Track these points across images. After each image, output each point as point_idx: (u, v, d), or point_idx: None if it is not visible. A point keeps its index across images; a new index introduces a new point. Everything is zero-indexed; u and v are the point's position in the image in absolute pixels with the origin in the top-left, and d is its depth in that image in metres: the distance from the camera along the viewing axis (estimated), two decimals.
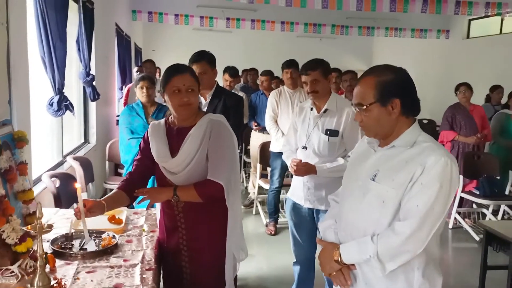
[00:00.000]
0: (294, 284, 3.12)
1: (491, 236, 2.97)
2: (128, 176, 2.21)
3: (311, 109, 2.83)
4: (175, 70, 2.09)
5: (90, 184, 3.87)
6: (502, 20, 8.88)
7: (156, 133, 2.14)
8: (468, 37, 10.12)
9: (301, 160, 2.75)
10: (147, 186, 2.32)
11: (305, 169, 2.71)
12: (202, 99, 3.14)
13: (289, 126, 3.04)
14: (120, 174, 5.34)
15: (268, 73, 5.83)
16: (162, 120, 2.21)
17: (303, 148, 2.82)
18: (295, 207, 2.91)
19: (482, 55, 9.32)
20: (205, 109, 3.10)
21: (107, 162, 5.14)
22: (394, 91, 1.51)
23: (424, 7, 6.68)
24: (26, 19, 2.79)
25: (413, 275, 1.54)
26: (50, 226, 1.68)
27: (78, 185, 2.01)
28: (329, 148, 2.72)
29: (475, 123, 5.02)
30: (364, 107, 1.53)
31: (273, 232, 4.74)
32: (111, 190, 4.98)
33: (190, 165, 2.03)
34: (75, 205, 1.94)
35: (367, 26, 10.23)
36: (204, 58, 3.02)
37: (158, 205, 2.44)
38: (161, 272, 2.22)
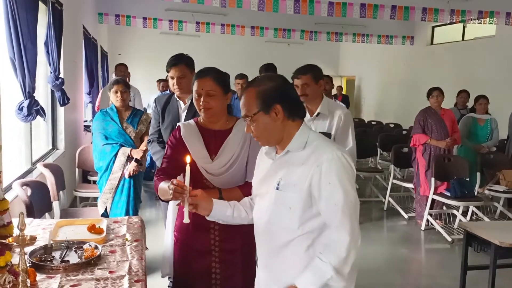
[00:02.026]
0: None
1: (471, 237, 3.03)
2: (162, 172, 2.09)
3: None
4: (196, 74, 2.14)
5: (61, 192, 3.70)
6: (464, 27, 9.23)
7: (191, 133, 2.15)
8: (431, 43, 10.45)
9: None
10: None
11: None
12: (181, 103, 3.08)
13: None
14: (89, 181, 5.17)
15: (243, 76, 5.81)
16: (192, 121, 2.22)
17: None
18: None
19: (445, 60, 9.66)
20: (184, 113, 3.04)
21: (76, 169, 4.94)
22: (273, 97, 1.57)
23: (393, 13, 6.84)
24: None
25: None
26: (33, 238, 1.58)
27: (188, 159, 1.76)
28: None
29: (446, 127, 5.15)
30: (250, 117, 1.59)
31: None
32: (81, 198, 4.81)
33: (232, 168, 2.08)
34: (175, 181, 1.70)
35: (335, 32, 10.39)
36: (182, 61, 2.98)
37: (170, 207, 2.40)
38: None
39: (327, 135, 2.82)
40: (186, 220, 1.68)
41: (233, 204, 1.83)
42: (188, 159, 1.75)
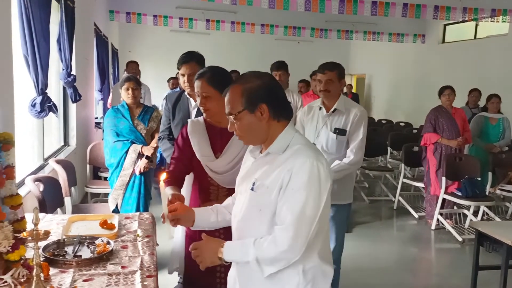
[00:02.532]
0: None
1: (482, 237, 3.01)
2: (170, 175, 2.11)
3: (320, 108, 2.98)
4: (195, 76, 2.16)
5: (73, 188, 3.73)
6: (476, 25, 9.12)
7: (197, 131, 2.15)
8: (443, 41, 10.36)
9: None
10: None
11: None
12: (191, 100, 3.09)
13: (296, 124, 3.18)
14: (100, 178, 5.21)
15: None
16: (201, 118, 2.22)
17: None
18: None
19: (457, 59, 9.56)
20: (194, 111, 3.04)
21: (88, 166, 4.98)
22: (260, 96, 1.52)
23: (404, 11, 6.79)
24: (10, 16, 2.67)
25: (297, 279, 1.53)
26: (47, 233, 1.60)
27: (163, 176, 1.78)
28: (337, 146, 2.91)
29: (457, 126, 5.11)
30: (234, 115, 1.54)
31: None
32: (92, 194, 4.86)
33: (236, 167, 2.03)
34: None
35: (346, 29, 10.33)
36: (193, 59, 2.98)
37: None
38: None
39: (342, 131, 2.88)
40: (170, 237, 1.69)
41: (216, 208, 1.80)
42: (163, 176, 1.76)
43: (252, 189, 1.56)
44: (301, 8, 6.51)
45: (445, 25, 10.24)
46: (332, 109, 2.93)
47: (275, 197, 1.49)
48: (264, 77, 1.57)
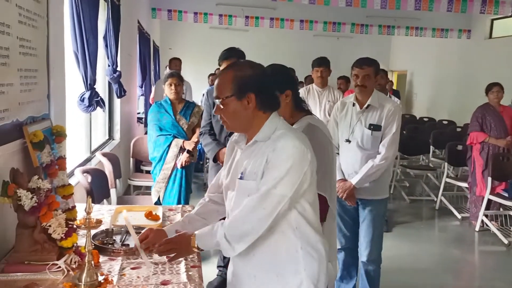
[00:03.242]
0: (339, 271, 3.19)
1: None
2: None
3: (353, 104, 2.95)
4: None
5: (117, 180, 3.86)
6: None
7: None
8: (490, 37, 9.95)
9: (340, 181, 2.91)
10: None
11: (348, 191, 2.88)
12: None
13: (330, 121, 3.17)
14: (142, 171, 5.36)
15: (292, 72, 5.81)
16: None
17: (347, 141, 2.95)
18: (340, 198, 2.93)
19: (505, 55, 9.15)
20: None
21: (131, 159, 5.14)
22: (250, 86, 1.54)
23: (450, 5, 6.57)
24: (63, 13, 2.79)
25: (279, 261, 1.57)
26: (99, 221, 1.67)
27: (125, 213, 1.86)
28: (372, 142, 2.88)
29: (505, 125, 4.92)
30: (221, 99, 1.56)
31: None
32: (134, 186, 5.01)
33: None
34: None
35: (387, 25, 10.10)
36: (234, 55, 3.02)
37: None
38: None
39: (377, 126, 2.86)
40: (149, 266, 1.72)
41: (188, 218, 1.79)
42: (124, 213, 1.79)
43: (241, 178, 1.58)
44: (342, 4, 6.44)
45: (492, 20, 9.82)
46: (365, 105, 2.90)
47: (261, 179, 1.52)
48: (257, 68, 1.60)
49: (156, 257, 1.93)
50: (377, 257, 2.99)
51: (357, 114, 2.93)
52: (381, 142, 2.87)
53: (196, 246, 1.59)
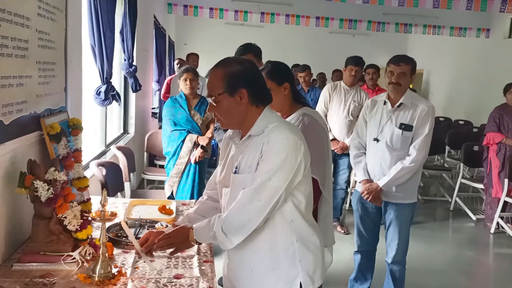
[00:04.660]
0: (353, 272, 3.17)
1: None
2: None
3: (384, 103, 2.87)
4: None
5: (131, 174, 3.89)
6: None
7: None
8: (509, 36, 9.77)
9: (365, 181, 2.85)
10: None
11: (374, 193, 2.82)
12: None
13: (359, 119, 3.07)
14: (155, 165, 5.39)
15: (307, 68, 5.80)
16: None
17: (375, 140, 2.86)
18: (362, 199, 2.91)
19: None
20: None
21: (145, 153, 5.17)
22: (240, 81, 1.55)
23: (469, 4, 6.46)
24: (81, 7, 2.81)
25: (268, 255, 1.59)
26: (113, 214, 1.67)
27: (121, 220, 1.86)
28: (402, 142, 2.78)
29: None
30: (214, 97, 1.56)
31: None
32: (148, 180, 5.04)
33: None
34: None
35: (404, 23, 9.97)
36: (251, 51, 2.98)
37: None
38: None
39: (409, 126, 2.76)
40: (152, 268, 1.69)
41: (187, 218, 1.77)
42: (122, 220, 1.80)
43: (235, 172, 1.60)
44: (359, 1, 6.37)
45: None
46: (397, 104, 2.80)
47: (255, 172, 1.54)
48: (245, 63, 1.61)
49: (169, 251, 1.94)
50: (402, 258, 2.95)
51: (388, 112, 2.82)
52: (411, 143, 2.76)
53: (194, 239, 1.60)
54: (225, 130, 3.19)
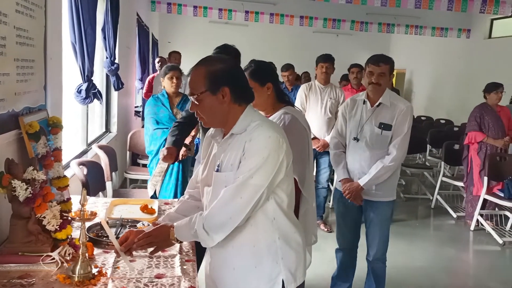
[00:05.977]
0: (336, 270, 3.19)
1: None
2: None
3: (364, 102, 2.88)
4: None
5: (113, 173, 3.85)
6: None
7: None
8: (490, 37, 9.95)
9: (345, 180, 2.88)
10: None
11: (355, 192, 2.83)
12: None
13: (338, 118, 3.09)
14: (138, 164, 5.34)
15: (291, 67, 5.82)
16: None
17: (355, 139, 2.88)
18: (343, 197, 2.92)
19: (504, 56, 9.16)
20: None
21: (127, 152, 5.12)
22: (223, 79, 1.55)
23: (450, 4, 6.56)
24: (61, 4, 2.76)
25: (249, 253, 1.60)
26: (93, 214, 1.66)
27: (101, 218, 1.85)
28: (381, 141, 2.81)
29: (503, 125, 4.93)
30: (196, 96, 1.56)
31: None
32: (131, 179, 4.99)
33: None
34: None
35: (387, 23, 10.08)
36: (230, 53, 2.96)
37: None
38: None
39: (388, 126, 2.78)
40: (132, 268, 1.67)
41: (168, 217, 1.77)
42: (101, 217, 1.78)
43: (217, 170, 1.60)
44: (342, 1, 6.41)
45: (492, 20, 9.82)
46: (377, 103, 2.82)
47: (237, 170, 1.54)
48: (227, 62, 1.61)
49: (150, 250, 1.92)
50: (382, 256, 2.98)
51: (367, 112, 2.84)
52: (390, 142, 2.79)
53: (175, 238, 1.59)
54: (207, 129, 3.21)
